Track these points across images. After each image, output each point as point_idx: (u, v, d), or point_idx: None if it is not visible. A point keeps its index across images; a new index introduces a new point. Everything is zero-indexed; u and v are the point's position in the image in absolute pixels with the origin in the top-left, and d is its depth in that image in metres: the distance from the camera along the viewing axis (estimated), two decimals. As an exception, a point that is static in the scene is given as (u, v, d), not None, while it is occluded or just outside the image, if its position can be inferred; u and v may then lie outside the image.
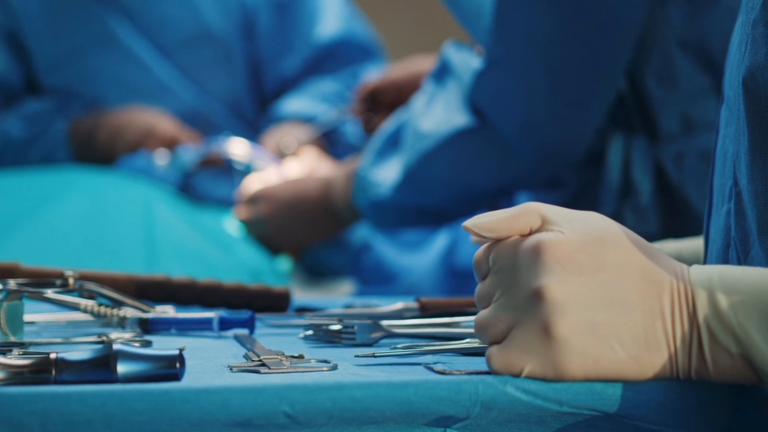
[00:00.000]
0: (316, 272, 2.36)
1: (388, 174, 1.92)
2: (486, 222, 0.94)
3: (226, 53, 2.50)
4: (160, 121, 2.39)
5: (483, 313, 0.93)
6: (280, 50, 2.54)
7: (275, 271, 2.15)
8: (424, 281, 2.20)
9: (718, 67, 1.71)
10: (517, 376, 0.92)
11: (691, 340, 0.92)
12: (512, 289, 0.92)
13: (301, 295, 1.99)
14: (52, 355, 0.91)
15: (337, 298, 2.11)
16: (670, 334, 0.92)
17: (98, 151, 2.35)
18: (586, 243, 0.92)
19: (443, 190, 1.87)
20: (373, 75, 2.34)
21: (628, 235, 0.93)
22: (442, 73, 1.92)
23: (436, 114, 1.87)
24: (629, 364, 0.91)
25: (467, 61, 1.85)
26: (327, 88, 2.49)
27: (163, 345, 1.16)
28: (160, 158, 2.35)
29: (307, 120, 2.43)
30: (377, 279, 2.26)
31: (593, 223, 0.93)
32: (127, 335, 1.20)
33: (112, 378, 0.91)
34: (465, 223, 0.94)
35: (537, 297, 0.91)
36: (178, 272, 1.76)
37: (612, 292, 0.91)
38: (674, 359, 0.92)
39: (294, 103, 2.49)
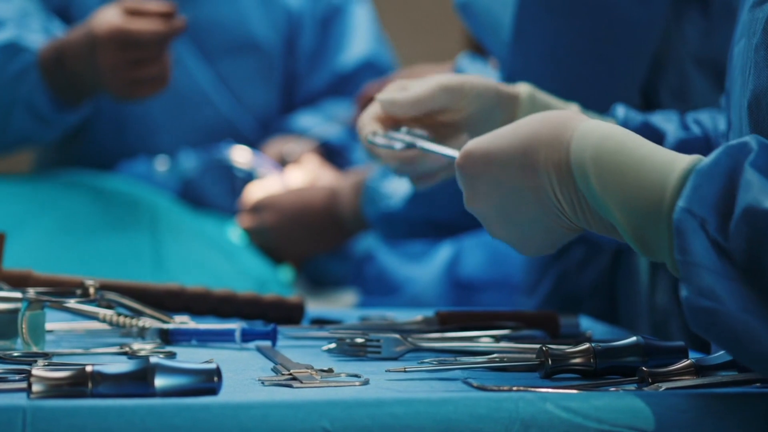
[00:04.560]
0: (318, 282, 2.34)
1: (399, 186, 1.91)
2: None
3: (267, 65, 2.44)
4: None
5: None
6: (313, 67, 2.50)
7: (279, 281, 2.14)
8: (427, 292, 2.18)
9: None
10: None
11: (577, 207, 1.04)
12: None
13: (304, 305, 1.97)
14: (89, 368, 0.90)
15: (344, 309, 2.10)
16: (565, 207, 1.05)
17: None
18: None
19: (455, 202, 1.85)
20: (375, 84, 2.33)
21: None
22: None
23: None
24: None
25: (482, 74, 1.84)
26: (341, 112, 2.46)
27: (187, 356, 1.15)
28: (160, 164, 2.33)
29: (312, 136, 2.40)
30: (380, 289, 2.24)
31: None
32: (149, 346, 1.19)
33: (150, 392, 0.90)
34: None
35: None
36: (183, 281, 1.74)
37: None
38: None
39: (305, 119, 2.45)
